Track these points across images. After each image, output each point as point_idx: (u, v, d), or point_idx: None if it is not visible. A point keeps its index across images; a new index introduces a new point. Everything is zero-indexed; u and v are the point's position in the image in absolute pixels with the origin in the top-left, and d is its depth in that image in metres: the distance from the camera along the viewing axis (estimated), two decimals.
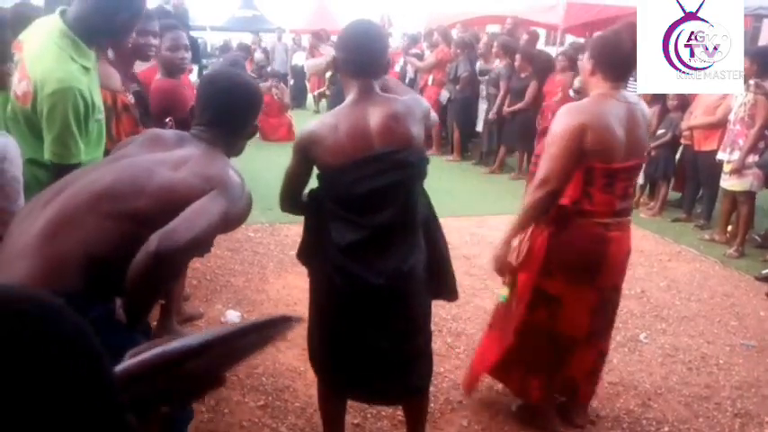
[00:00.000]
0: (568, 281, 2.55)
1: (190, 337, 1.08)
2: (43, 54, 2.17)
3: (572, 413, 2.89)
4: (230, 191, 1.70)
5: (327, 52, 10.65)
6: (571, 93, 6.53)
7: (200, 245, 1.58)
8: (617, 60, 2.41)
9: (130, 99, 2.90)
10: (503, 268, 2.62)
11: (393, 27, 11.31)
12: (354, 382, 2.30)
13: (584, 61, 2.52)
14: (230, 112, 1.89)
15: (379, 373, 2.23)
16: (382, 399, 2.48)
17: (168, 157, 1.74)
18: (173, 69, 3.42)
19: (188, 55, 3.47)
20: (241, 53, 10.27)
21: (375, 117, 2.04)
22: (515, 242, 2.57)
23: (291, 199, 2.24)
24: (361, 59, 2.08)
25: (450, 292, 2.41)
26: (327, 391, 2.40)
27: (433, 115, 2.32)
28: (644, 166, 4.69)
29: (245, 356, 1.30)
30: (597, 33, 2.81)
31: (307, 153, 2.08)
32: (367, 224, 2.06)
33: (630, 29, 2.44)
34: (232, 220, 1.72)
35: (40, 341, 0.55)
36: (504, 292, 2.75)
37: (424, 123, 2.15)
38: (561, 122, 2.39)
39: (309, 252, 2.28)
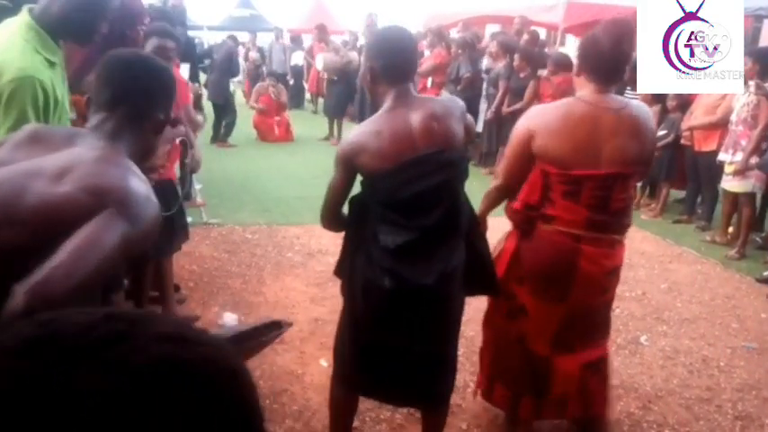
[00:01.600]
0: (536, 293, 2.48)
1: None
2: (8, 47, 2.16)
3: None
4: (130, 207, 1.30)
5: (336, 47, 10.53)
6: None
7: (88, 288, 1.24)
8: (595, 62, 2.34)
9: None
10: None
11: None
12: (380, 385, 2.32)
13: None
14: (132, 89, 1.52)
15: (408, 376, 2.24)
16: (405, 402, 2.50)
17: (49, 165, 1.34)
18: None
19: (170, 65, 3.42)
20: (232, 43, 10.24)
21: (416, 119, 2.05)
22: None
23: (334, 213, 2.24)
24: (400, 66, 2.10)
25: (493, 288, 2.46)
26: (346, 391, 2.41)
27: (469, 117, 2.34)
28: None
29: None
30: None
31: (352, 163, 2.08)
32: (416, 226, 2.07)
33: (610, 28, 2.34)
34: (135, 243, 1.33)
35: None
36: None
37: (463, 122, 2.17)
38: (518, 124, 2.44)
39: (350, 259, 2.26)
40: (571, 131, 2.30)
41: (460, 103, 2.26)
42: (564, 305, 2.46)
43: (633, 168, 2.40)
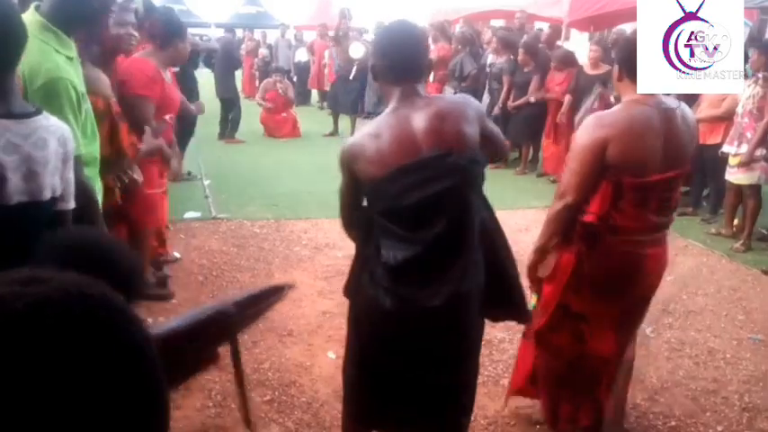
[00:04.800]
0: (595, 298, 2.41)
1: (180, 318, 1.07)
2: (29, 50, 2.17)
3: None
4: None
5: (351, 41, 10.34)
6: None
7: None
8: (633, 62, 2.26)
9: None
10: (532, 278, 2.52)
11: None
12: (391, 417, 2.14)
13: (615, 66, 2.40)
14: None
15: (421, 407, 2.07)
16: None
17: None
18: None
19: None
20: (230, 36, 10.40)
21: (419, 119, 1.86)
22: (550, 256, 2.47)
23: (348, 217, 2.11)
24: (402, 65, 1.92)
25: (519, 313, 2.19)
26: (355, 425, 2.25)
27: (494, 127, 2.18)
28: None
29: (241, 329, 1.28)
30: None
31: (351, 168, 1.93)
32: (419, 239, 1.88)
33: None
34: None
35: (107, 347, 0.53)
36: (533, 300, 2.62)
37: (479, 124, 1.95)
38: (584, 134, 2.28)
39: (357, 278, 2.09)
40: (648, 136, 2.22)
41: (475, 102, 2.08)
42: (623, 300, 2.44)
43: (689, 166, 2.39)
